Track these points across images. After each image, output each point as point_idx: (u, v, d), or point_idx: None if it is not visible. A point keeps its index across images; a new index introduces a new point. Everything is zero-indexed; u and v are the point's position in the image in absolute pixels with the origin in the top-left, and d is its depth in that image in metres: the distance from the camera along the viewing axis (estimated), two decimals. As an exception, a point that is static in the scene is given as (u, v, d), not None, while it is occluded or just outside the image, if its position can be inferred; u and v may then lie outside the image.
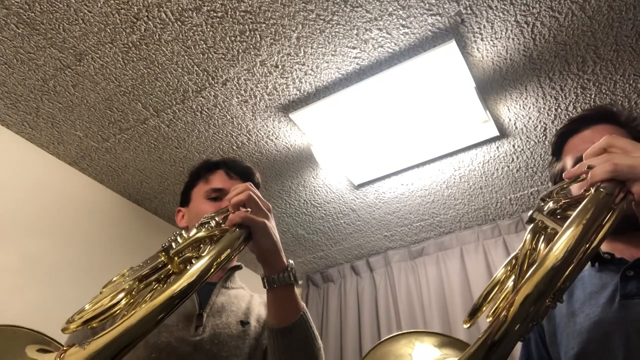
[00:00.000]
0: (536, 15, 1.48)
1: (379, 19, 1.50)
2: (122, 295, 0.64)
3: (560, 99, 1.80)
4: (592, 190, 0.58)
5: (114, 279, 0.75)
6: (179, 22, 1.51)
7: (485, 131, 1.92)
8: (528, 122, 1.91)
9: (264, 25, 1.51)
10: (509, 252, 2.40)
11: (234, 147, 2.07)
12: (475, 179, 2.23)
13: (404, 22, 1.51)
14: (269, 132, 1.97)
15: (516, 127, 1.94)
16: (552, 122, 1.90)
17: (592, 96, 1.79)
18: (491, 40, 1.57)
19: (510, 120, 1.91)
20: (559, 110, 1.85)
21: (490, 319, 0.56)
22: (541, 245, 0.59)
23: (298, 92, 1.78)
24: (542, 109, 1.85)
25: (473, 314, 0.59)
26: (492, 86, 1.75)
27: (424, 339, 0.67)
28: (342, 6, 1.46)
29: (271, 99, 1.81)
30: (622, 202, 0.57)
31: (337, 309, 2.85)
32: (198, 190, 1.14)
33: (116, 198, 2.35)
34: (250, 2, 1.44)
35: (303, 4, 1.45)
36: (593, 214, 0.53)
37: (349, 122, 1.87)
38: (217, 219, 0.79)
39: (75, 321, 0.62)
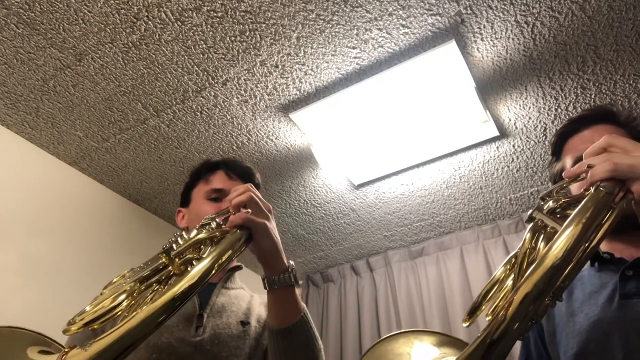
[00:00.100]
0: (536, 15, 1.48)
1: (379, 19, 1.50)
2: (123, 297, 0.64)
3: (560, 99, 1.80)
4: (592, 189, 0.58)
5: (115, 280, 0.75)
6: (179, 22, 1.51)
7: (485, 131, 1.92)
8: (528, 122, 1.91)
9: (264, 25, 1.52)
10: (508, 252, 2.40)
11: (234, 147, 2.07)
12: (475, 179, 2.23)
13: (404, 22, 1.51)
14: (269, 132, 1.97)
15: (516, 127, 1.94)
16: (552, 122, 1.90)
17: (592, 96, 1.79)
18: (491, 40, 1.57)
19: (510, 120, 1.91)
20: (559, 110, 1.85)
21: (490, 317, 0.56)
22: (541, 244, 0.59)
23: (298, 92, 1.78)
24: (542, 109, 1.85)
25: (472, 312, 0.59)
26: (492, 86, 1.75)
27: (422, 338, 0.67)
28: (342, 6, 1.46)
29: (271, 99, 1.81)
30: (621, 201, 0.57)
31: (337, 309, 2.85)
32: (198, 191, 1.14)
33: (116, 198, 2.35)
34: (250, 2, 1.45)
35: (303, 4, 1.45)
36: (593, 213, 0.53)
37: (349, 122, 1.87)
38: (217, 220, 0.79)
39: (77, 323, 0.62)
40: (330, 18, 1.49)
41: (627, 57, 1.62)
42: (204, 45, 1.59)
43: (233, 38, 1.56)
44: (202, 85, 1.74)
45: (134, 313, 0.54)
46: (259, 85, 1.75)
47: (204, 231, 0.74)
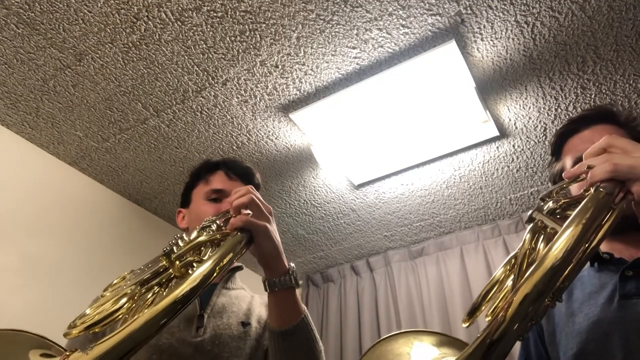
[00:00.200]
0: (536, 15, 1.48)
1: (379, 19, 1.50)
2: (124, 300, 0.64)
3: (560, 99, 1.80)
4: (592, 190, 0.58)
5: (115, 281, 0.75)
6: (179, 22, 1.51)
7: (485, 131, 1.92)
8: (528, 122, 1.91)
9: (264, 25, 1.52)
10: (509, 252, 2.40)
11: (234, 147, 2.07)
12: (475, 179, 2.23)
13: (404, 22, 1.51)
14: (269, 132, 1.98)
15: (516, 127, 1.94)
16: (552, 122, 1.90)
17: (592, 96, 1.79)
18: (491, 40, 1.57)
19: (510, 120, 1.91)
20: (559, 110, 1.85)
21: (489, 318, 0.56)
22: (540, 245, 0.59)
23: (298, 92, 1.78)
24: (542, 109, 1.85)
25: (472, 313, 0.59)
26: (492, 86, 1.75)
27: (422, 338, 0.66)
28: (342, 6, 1.46)
29: (271, 99, 1.81)
30: (621, 202, 0.57)
31: (337, 309, 2.85)
32: (198, 191, 1.14)
33: (116, 198, 2.35)
34: (250, 2, 1.45)
35: (303, 4, 1.45)
36: (592, 213, 0.53)
37: (349, 122, 1.87)
38: (218, 222, 0.79)
39: (78, 326, 0.62)
40: (330, 18, 1.49)
41: (627, 57, 1.62)
42: (204, 45, 1.59)
43: (233, 38, 1.56)
44: (202, 85, 1.74)
45: (136, 316, 0.54)
46: (259, 85, 1.75)
47: (205, 233, 0.73)
